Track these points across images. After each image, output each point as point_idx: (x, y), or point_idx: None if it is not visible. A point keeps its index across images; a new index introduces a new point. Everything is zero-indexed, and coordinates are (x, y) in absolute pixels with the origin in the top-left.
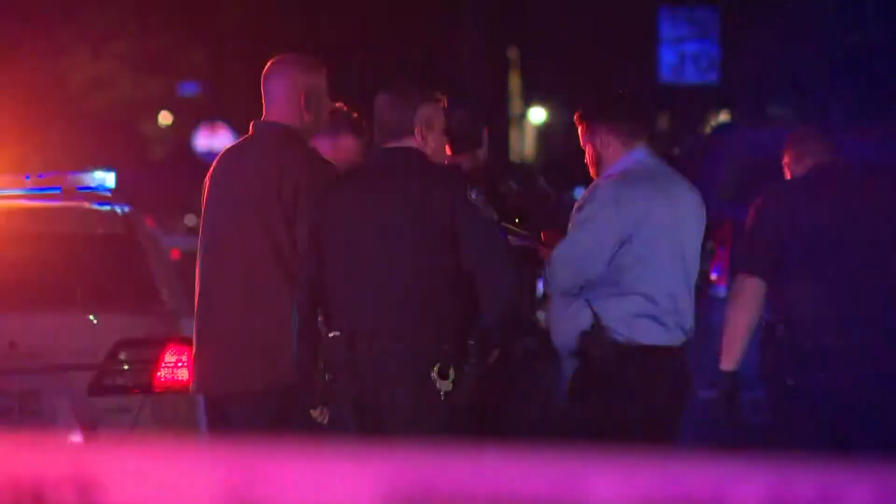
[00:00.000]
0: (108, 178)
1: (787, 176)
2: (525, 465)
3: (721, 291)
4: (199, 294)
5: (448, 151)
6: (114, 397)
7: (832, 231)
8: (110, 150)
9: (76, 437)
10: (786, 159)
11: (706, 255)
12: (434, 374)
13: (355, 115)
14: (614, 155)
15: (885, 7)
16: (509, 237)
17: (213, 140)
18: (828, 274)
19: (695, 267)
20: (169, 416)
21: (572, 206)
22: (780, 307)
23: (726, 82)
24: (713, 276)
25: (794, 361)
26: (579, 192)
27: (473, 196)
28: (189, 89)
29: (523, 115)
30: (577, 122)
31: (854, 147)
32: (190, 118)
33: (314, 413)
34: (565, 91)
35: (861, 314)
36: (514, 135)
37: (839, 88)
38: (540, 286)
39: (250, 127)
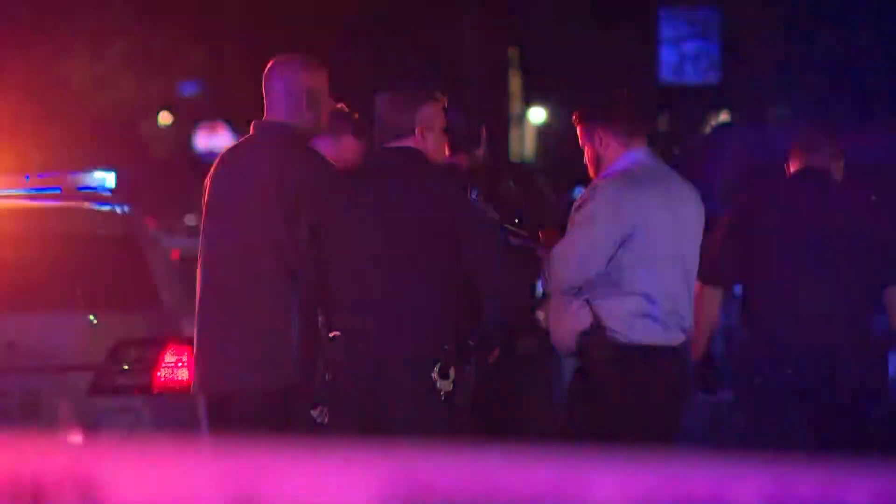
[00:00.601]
0: (108, 178)
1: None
2: (525, 465)
3: None
4: (200, 294)
5: (447, 151)
6: (114, 397)
7: (802, 239)
8: (110, 150)
9: (76, 437)
10: (790, 158)
11: None
12: (434, 374)
13: (356, 115)
14: (613, 155)
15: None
16: (509, 237)
17: (213, 140)
18: (796, 279)
19: (694, 267)
20: (169, 416)
21: (572, 206)
22: (749, 310)
23: (726, 82)
24: None
25: (762, 361)
26: (579, 192)
27: (473, 196)
28: (189, 89)
29: (523, 115)
30: (575, 123)
31: (854, 148)
32: (190, 118)
33: (314, 413)
34: (565, 91)
35: (830, 316)
36: (514, 135)
37: (840, 88)
38: (540, 286)
39: (251, 127)
